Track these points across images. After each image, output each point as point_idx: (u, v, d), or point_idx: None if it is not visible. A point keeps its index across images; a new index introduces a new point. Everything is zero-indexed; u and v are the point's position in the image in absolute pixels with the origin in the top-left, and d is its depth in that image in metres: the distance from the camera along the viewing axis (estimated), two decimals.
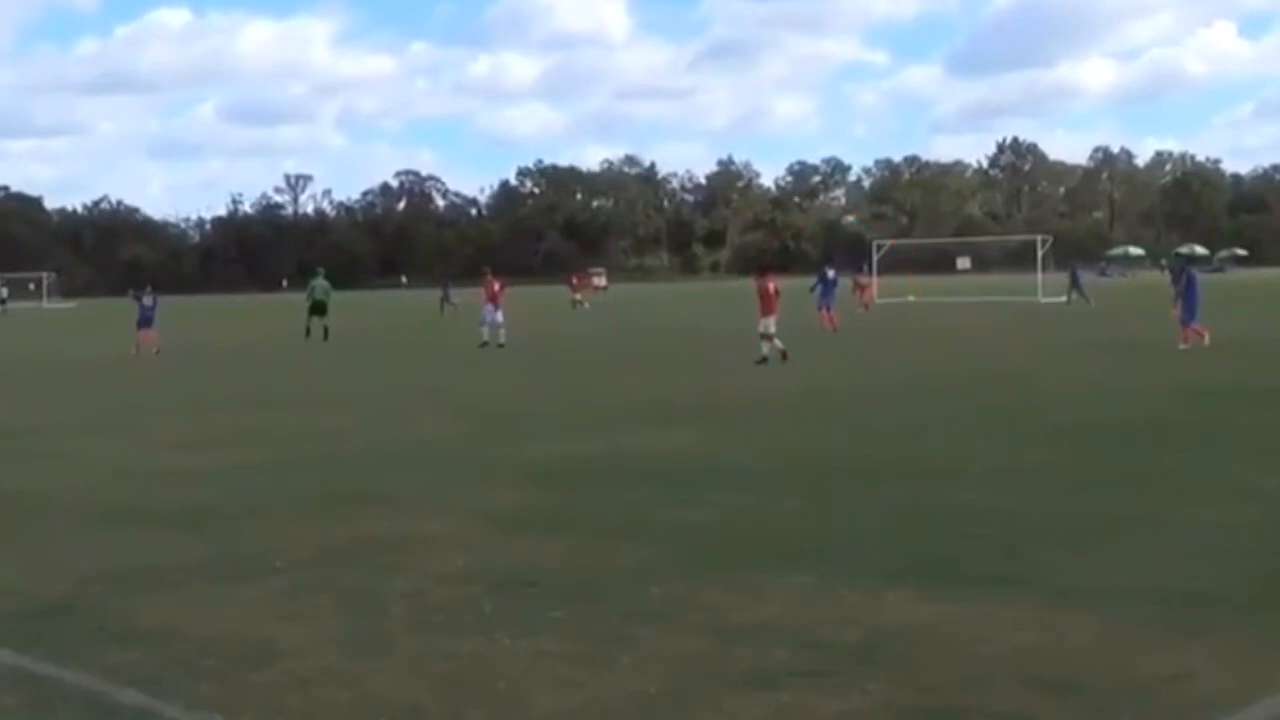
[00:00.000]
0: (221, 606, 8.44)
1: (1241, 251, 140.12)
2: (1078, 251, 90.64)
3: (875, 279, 64.91)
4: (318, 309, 42.91)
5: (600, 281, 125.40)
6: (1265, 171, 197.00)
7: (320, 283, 43.73)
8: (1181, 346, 27.83)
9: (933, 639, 7.21)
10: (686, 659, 6.97)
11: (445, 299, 66.73)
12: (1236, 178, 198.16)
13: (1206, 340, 28.07)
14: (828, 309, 42.24)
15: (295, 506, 12.12)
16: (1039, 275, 65.06)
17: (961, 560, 9.14)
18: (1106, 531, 10.00)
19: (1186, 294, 28.99)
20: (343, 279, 38.88)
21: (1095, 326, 38.96)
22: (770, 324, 27.97)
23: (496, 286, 37.02)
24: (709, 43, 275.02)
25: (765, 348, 27.62)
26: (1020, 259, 77.66)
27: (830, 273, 44.45)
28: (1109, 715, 6.01)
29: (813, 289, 43.79)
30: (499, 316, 36.29)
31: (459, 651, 7.24)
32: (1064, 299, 57.31)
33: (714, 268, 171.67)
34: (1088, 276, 66.92)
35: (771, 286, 28.54)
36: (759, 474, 13.25)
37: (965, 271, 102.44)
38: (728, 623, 7.64)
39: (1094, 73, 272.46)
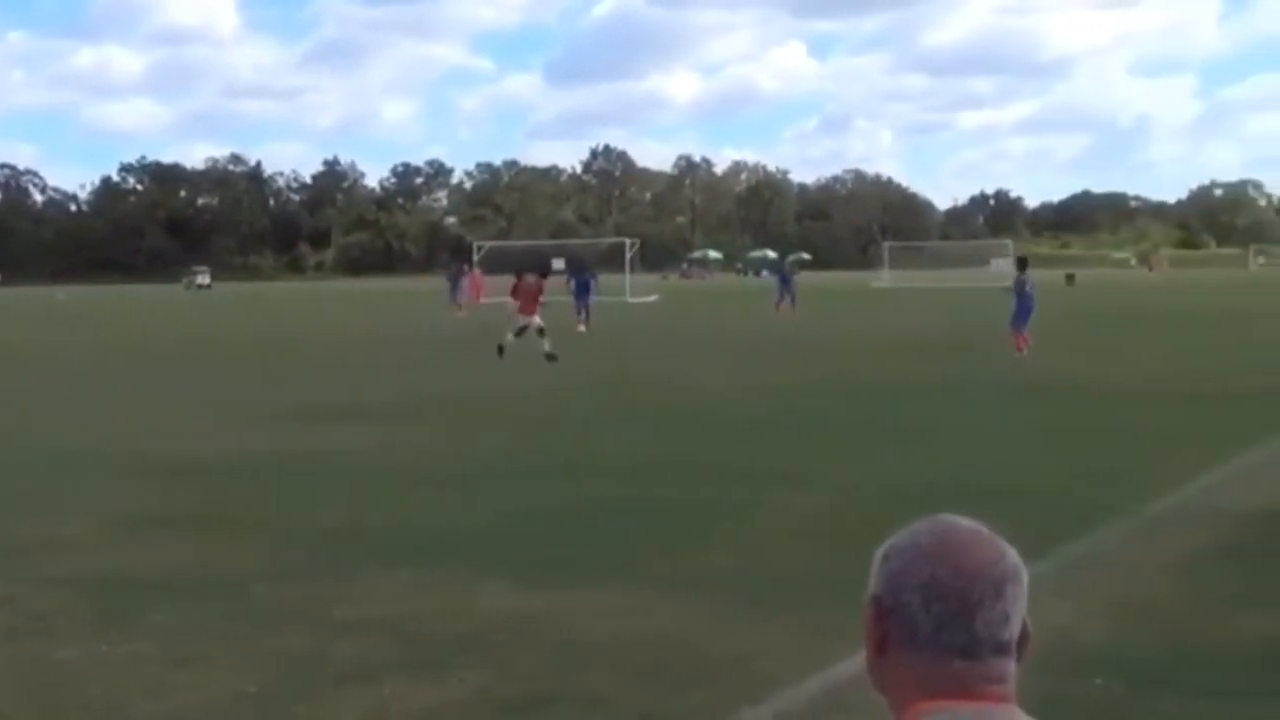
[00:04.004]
0: None
1: (807, 256, 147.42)
2: (665, 254, 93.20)
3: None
4: None
5: (204, 280, 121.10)
6: (827, 182, 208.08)
7: None
8: (1018, 354, 25.04)
9: (530, 629, 7.29)
10: (288, 657, 6.83)
11: None
12: (803, 187, 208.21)
13: (1025, 351, 25.26)
14: (585, 311, 38.42)
15: None
16: (627, 276, 66.71)
17: (564, 552, 9.25)
18: (699, 521, 10.31)
19: (1018, 300, 26.28)
20: None
21: (686, 323, 40.22)
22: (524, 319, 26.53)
23: None
24: (318, 43, 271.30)
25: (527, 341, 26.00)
26: (610, 260, 79.30)
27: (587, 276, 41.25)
28: (686, 692, 6.22)
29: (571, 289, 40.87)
30: None
31: (53, 659, 6.86)
32: (653, 298, 59.05)
33: (319, 267, 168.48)
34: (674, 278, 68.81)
35: (530, 284, 26.94)
36: (389, 472, 12.99)
37: (559, 273, 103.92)
38: (331, 619, 7.51)
39: (680, 86, 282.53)
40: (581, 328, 35.48)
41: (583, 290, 38.71)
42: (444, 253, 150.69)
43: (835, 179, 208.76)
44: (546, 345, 25.71)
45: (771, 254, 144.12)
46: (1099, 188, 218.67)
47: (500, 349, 26.11)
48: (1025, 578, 1.72)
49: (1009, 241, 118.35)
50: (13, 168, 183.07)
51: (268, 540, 9.79)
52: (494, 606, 7.76)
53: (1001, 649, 1.69)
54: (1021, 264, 28.50)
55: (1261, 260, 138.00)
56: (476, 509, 10.98)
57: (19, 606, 7.94)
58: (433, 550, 9.36)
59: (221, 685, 6.42)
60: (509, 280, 28.51)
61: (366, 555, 9.22)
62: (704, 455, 13.81)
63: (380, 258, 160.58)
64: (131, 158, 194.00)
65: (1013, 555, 1.72)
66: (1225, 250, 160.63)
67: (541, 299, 26.91)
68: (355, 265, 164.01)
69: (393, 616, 7.58)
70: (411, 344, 34.09)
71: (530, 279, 27.18)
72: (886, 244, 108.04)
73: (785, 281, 50.86)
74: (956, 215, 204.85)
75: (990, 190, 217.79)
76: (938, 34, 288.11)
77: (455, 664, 6.63)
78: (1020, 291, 26.44)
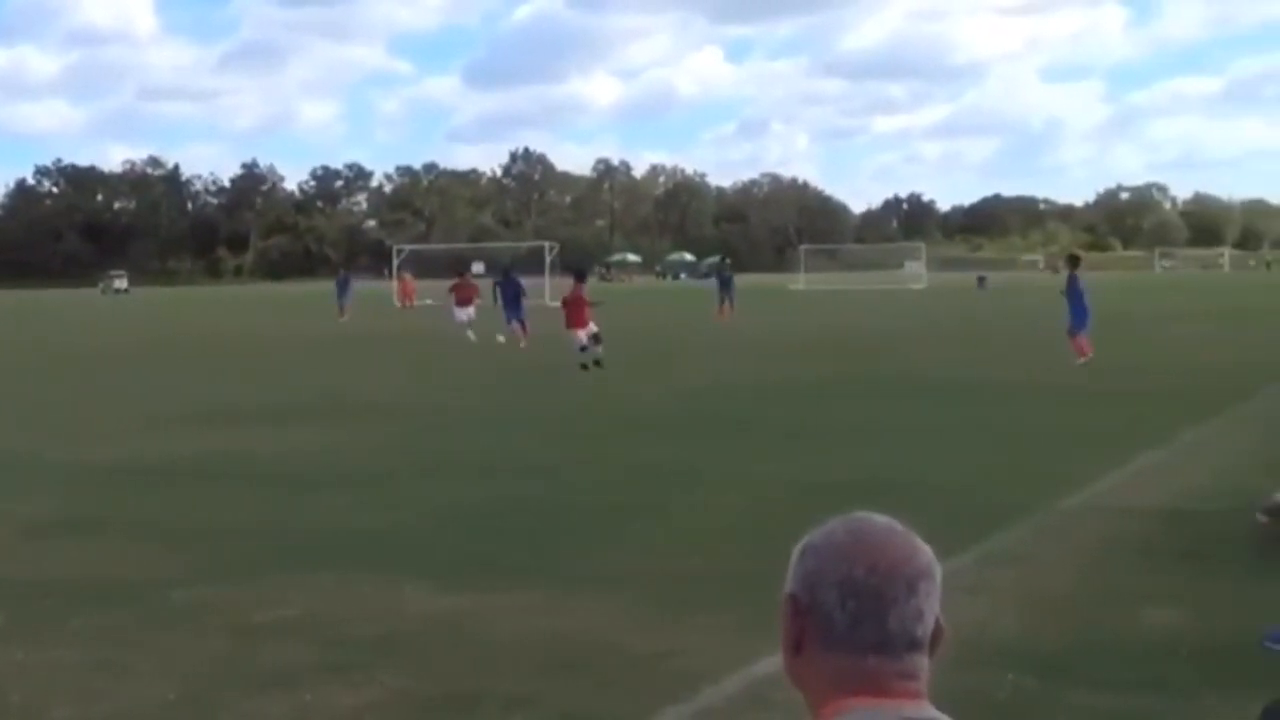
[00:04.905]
0: None
1: (728, 259, 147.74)
2: (584, 257, 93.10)
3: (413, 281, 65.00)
4: None
5: (121, 284, 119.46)
6: (744, 185, 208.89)
7: None
8: (1080, 361, 22.58)
9: (449, 630, 7.26)
10: (208, 662, 6.75)
11: None
12: (720, 190, 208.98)
13: (1088, 357, 22.75)
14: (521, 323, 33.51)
15: None
16: (547, 280, 66.56)
17: (483, 553, 9.23)
18: (616, 521, 10.33)
19: (1073, 301, 23.58)
20: None
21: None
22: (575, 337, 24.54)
23: None
24: (236, 44, 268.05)
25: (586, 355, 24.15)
26: (530, 264, 79.19)
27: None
28: (607, 691, 6.22)
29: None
30: None
31: None
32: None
33: (238, 271, 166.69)
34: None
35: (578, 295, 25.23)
36: (303, 474, 12.85)
37: (480, 276, 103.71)
38: (250, 624, 7.43)
39: (599, 89, 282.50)
40: (523, 343, 30.99)
41: (514, 300, 33.02)
42: (364, 256, 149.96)
43: (752, 182, 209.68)
44: (598, 351, 24.03)
45: (689, 256, 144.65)
46: (1010, 191, 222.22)
47: (585, 367, 23.78)
48: (939, 575, 1.74)
49: (921, 244, 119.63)
50: None
51: (182, 544, 9.67)
52: (414, 608, 7.73)
53: (915, 645, 1.71)
54: (1073, 262, 25.63)
55: (1166, 263, 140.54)
56: (393, 510, 10.92)
57: None
58: (350, 551, 9.31)
59: (142, 691, 6.34)
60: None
61: (283, 557, 9.13)
62: (620, 456, 13.83)
63: (300, 261, 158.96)
64: (47, 160, 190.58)
65: (926, 552, 1.74)
66: (1131, 253, 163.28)
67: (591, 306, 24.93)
68: (275, 269, 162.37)
69: (312, 619, 7.52)
70: (327, 346, 33.83)
71: (575, 290, 25.33)
72: (803, 247, 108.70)
73: (725, 285, 49.21)
74: (871, 218, 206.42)
75: (904, 194, 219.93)
76: (853, 38, 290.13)
77: (376, 666, 6.59)
78: (1073, 292, 23.72)
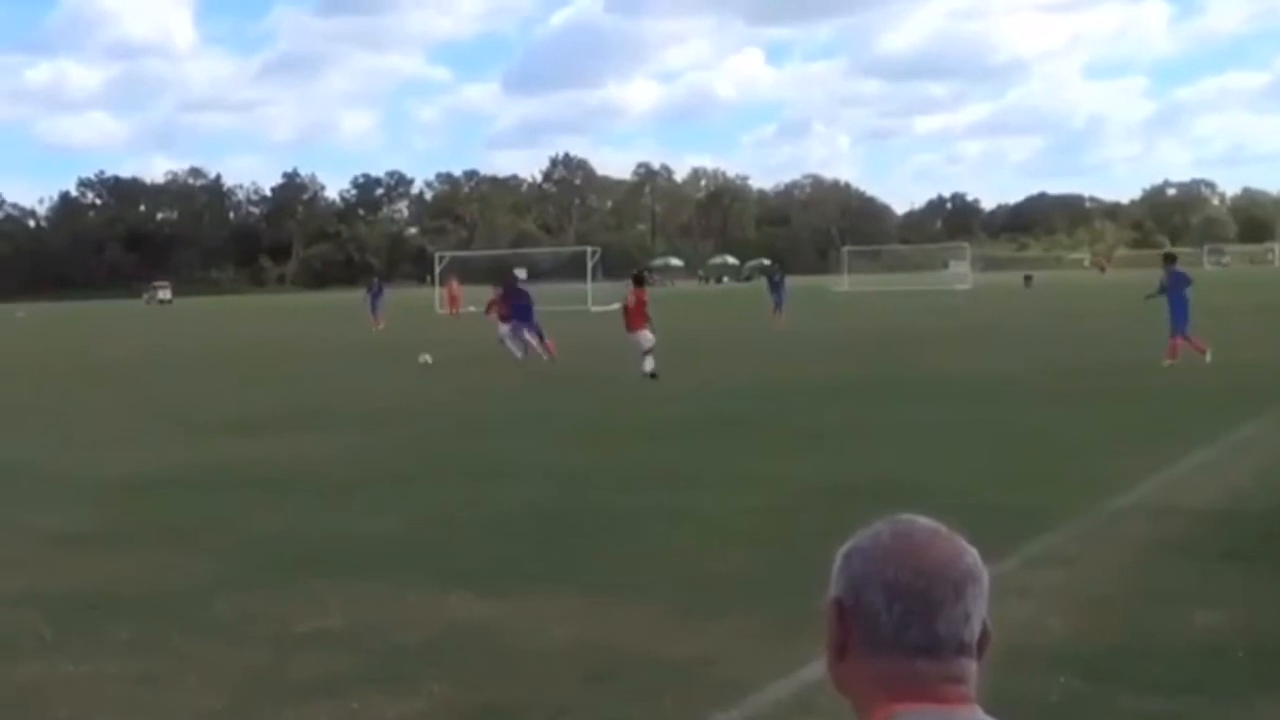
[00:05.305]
0: None
1: (767, 261, 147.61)
2: (626, 262, 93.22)
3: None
4: None
5: (165, 295, 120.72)
6: (785, 187, 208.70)
7: None
8: (1167, 362, 22.15)
9: (488, 637, 7.26)
10: (251, 672, 6.78)
11: None
12: (762, 193, 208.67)
13: (1208, 357, 22.14)
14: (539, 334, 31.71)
15: None
16: (589, 285, 66.58)
17: (515, 558, 9.24)
18: (644, 524, 10.31)
19: (1174, 300, 23.01)
20: None
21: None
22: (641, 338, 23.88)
23: None
24: (275, 55, 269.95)
25: (649, 362, 23.42)
26: (572, 269, 79.22)
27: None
28: (651, 700, 6.20)
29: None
30: None
31: (17, 679, 6.80)
32: (616, 306, 58.93)
33: (280, 280, 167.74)
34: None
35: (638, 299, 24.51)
36: (335, 482, 12.90)
37: (522, 282, 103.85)
38: (291, 633, 7.46)
39: (638, 93, 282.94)
40: (545, 355, 28.92)
41: (525, 314, 30.30)
42: (406, 264, 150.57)
43: (794, 184, 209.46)
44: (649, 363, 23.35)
45: (732, 260, 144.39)
46: (1054, 189, 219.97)
47: (655, 376, 22.98)
48: (985, 578, 1.72)
49: (966, 245, 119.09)
50: None
51: (219, 553, 9.71)
52: (452, 615, 7.74)
53: (964, 649, 1.69)
54: (1169, 259, 25.16)
55: (1217, 259, 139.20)
56: (424, 516, 10.98)
57: None
58: (387, 559, 9.35)
59: (187, 702, 6.38)
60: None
61: (320, 566, 9.16)
62: (645, 459, 13.87)
63: (342, 269, 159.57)
64: (89, 172, 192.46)
65: (973, 555, 1.73)
66: (1179, 249, 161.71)
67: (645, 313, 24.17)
68: (317, 277, 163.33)
69: (352, 628, 7.54)
70: (363, 354, 33.94)
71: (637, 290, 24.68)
72: (846, 248, 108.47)
73: (776, 288, 48.80)
74: (914, 219, 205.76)
75: (947, 194, 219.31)
76: (892, 39, 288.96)
77: (419, 675, 6.59)
78: (1173, 290, 23.11)
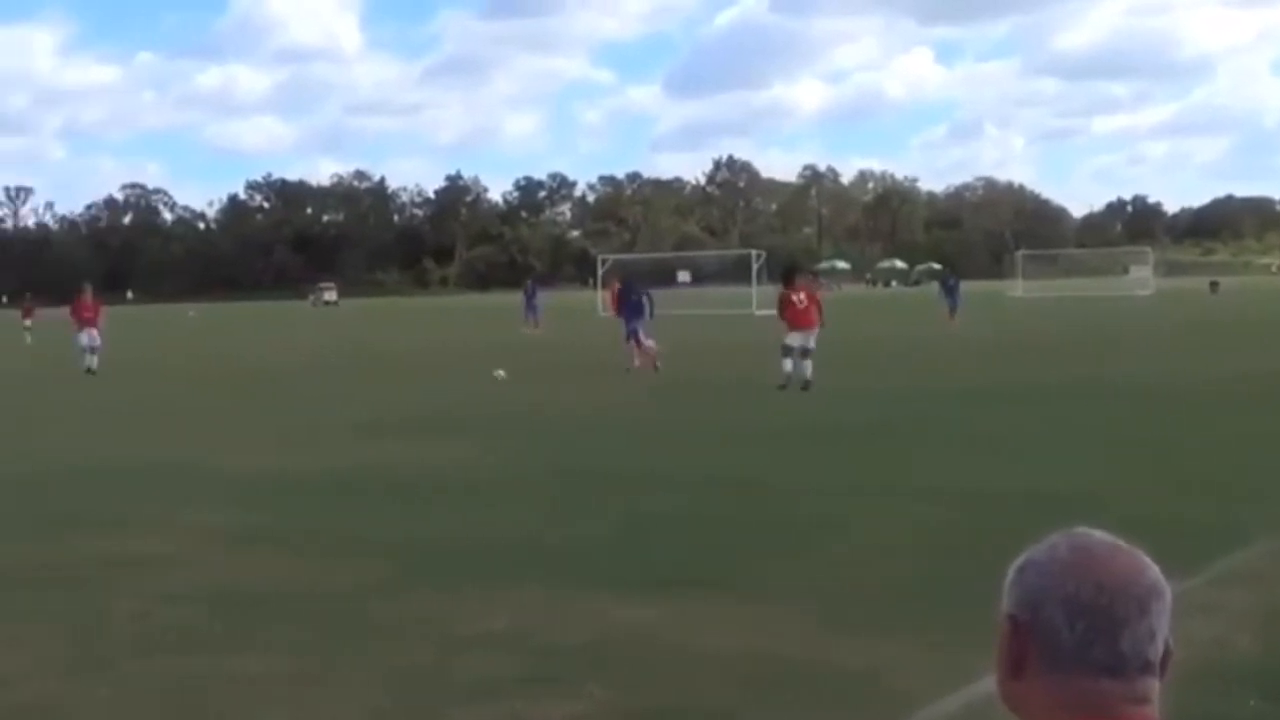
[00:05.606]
0: None
1: (937, 265, 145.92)
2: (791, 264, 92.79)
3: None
4: None
5: (330, 296, 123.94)
6: (956, 189, 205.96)
7: None
8: None
9: (650, 642, 7.27)
10: (415, 673, 6.89)
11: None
12: (932, 195, 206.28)
13: None
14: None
15: (5, 527, 11.49)
16: (754, 289, 66.34)
17: (677, 563, 9.23)
18: (809, 533, 10.24)
19: None
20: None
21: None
22: (798, 338, 22.71)
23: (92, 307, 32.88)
24: (439, 59, 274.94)
25: (807, 367, 22.37)
26: (737, 273, 79.14)
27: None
28: (814, 712, 6.17)
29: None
30: (96, 339, 32.39)
31: (185, 673, 6.98)
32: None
33: (444, 282, 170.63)
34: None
35: (801, 295, 23.53)
36: (490, 485, 13.08)
37: (686, 285, 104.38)
38: (454, 635, 7.55)
39: (804, 94, 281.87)
40: (637, 361, 27.74)
41: (635, 312, 29.11)
42: (568, 266, 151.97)
43: (965, 186, 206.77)
44: (808, 370, 22.37)
45: (900, 264, 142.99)
46: (1243, 191, 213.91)
47: (804, 387, 22.01)
48: (1169, 594, 1.69)
49: (1148, 249, 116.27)
50: (142, 187, 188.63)
51: (377, 555, 9.83)
52: (612, 620, 7.75)
53: (1148, 668, 1.66)
54: None
55: None
56: (580, 520, 11.04)
57: (154, 621, 8.10)
58: (545, 562, 9.40)
59: (354, 701, 6.50)
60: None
61: (478, 568, 9.26)
62: (796, 466, 13.85)
63: (505, 271, 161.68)
64: (257, 175, 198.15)
65: (1155, 570, 1.69)
66: None
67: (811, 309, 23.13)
68: (481, 279, 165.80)
69: (513, 630, 7.61)
70: (520, 356, 34.28)
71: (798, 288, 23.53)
72: (1020, 252, 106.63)
73: (951, 293, 49.24)
74: (1093, 222, 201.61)
75: (1128, 196, 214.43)
76: (1069, 37, 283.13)
77: (581, 678, 6.64)
78: None
